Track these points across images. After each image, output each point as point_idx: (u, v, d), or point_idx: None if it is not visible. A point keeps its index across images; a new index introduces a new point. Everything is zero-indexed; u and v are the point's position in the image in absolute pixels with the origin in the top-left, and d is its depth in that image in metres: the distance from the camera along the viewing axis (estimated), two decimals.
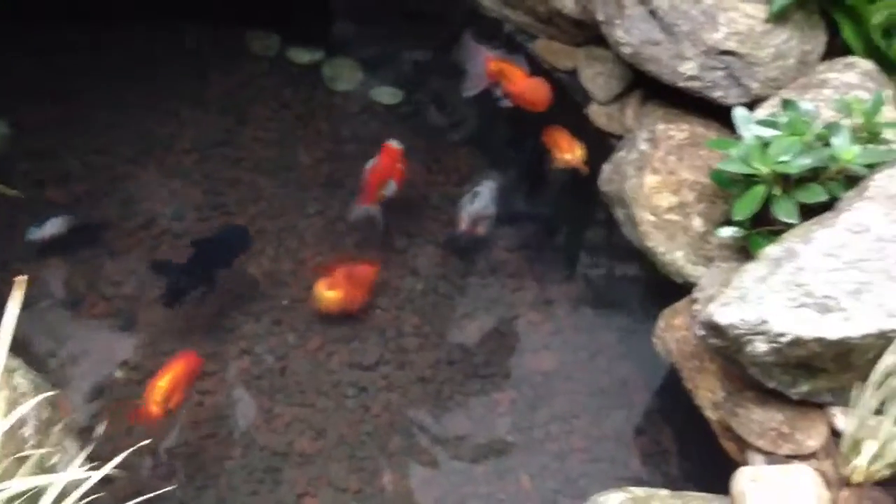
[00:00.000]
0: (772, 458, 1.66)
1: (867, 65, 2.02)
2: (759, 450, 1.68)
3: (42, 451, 1.55)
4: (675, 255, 1.98)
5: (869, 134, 1.84)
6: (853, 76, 1.99)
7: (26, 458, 1.50)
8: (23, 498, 1.40)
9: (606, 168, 2.21)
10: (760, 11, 2.04)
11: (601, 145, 2.31)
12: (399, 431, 2.08)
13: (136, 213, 2.38)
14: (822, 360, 1.60)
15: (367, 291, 2.23)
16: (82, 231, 2.29)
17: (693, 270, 1.97)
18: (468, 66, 2.33)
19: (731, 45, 2.02)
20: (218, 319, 2.21)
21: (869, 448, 1.57)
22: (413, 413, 2.11)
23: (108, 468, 1.40)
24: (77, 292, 2.23)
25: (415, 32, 2.76)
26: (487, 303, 2.30)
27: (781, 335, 1.57)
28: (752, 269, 1.67)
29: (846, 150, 1.78)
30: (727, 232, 1.89)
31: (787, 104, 1.91)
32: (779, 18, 2.03)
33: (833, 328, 1.56)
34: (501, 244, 2.39)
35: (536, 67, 2.42)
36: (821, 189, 1.79)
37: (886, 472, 1.59)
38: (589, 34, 2.41)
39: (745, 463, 1.68)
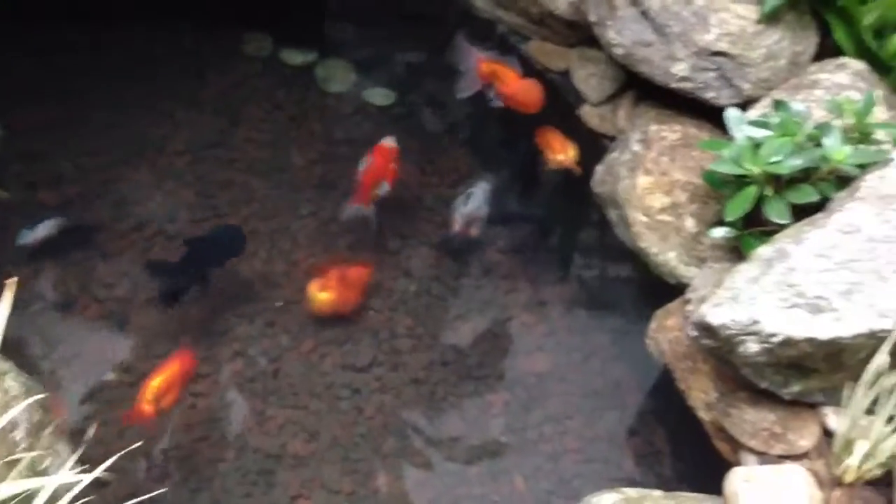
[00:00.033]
0: (764, 458, 1.67)
1: (858, 65, 2.03)
2: (751, 450, 1.68)
3: (33, 454, 1.54)
4: (668, 256, 1.99)
5: (860, 134, 1.84)
6: (844, 77, 2.00)
7: (17, 461, 1.49)
8: (14, 501, 1.39)
9: (599, 169, 2.21)
10: (752, 12, 2.04)
11: (594, 146, 2.31)
12: (392, 433, 2.07)
13: (128, 215, 2.37)
14: (814, 361, 1.61)
15: (360, 293, 2.23)
16: (74, 233, 2.28)
17: (686, 271, 1.97)
18: (461, 68, 2.33)
19: (722, 45, 2.03)
20: (211, 321, 2.21)
21: (860, 448, 1.57)
22: (406, 415, 2.11)
23: (98, 471, 1.40)
24: (69, 294, 2.23)
25: (408, 34, 2.76)
26: (481, 304, 2.30)
27: (773, 335, 1.57)
28: (744, 270, 1.68)
29: (837, 150, 1.78)
30: (719, 232, 1.89)
31: (778, 105, 1.91)
32: (770, 19, 2.04)
33: (824, 328, 1.56)
34: (495, 245, 2.39)
35: (529, 68, 2.42)
36: (812, 189, 1.79)
37: (878, 472, 1.59)
38: (581, 35, 2.41)
39: (738, 463, 1.68)
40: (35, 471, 1.55)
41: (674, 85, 2.08)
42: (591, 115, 2.38)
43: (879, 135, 1.86)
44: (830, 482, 1.62)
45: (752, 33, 2.03)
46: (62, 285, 2.24)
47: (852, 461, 1.59)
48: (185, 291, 2.13)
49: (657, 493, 1.68)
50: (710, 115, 2.09)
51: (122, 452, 1.51)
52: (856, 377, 1.57)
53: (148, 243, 2.32)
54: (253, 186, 2.46)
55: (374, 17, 2.79)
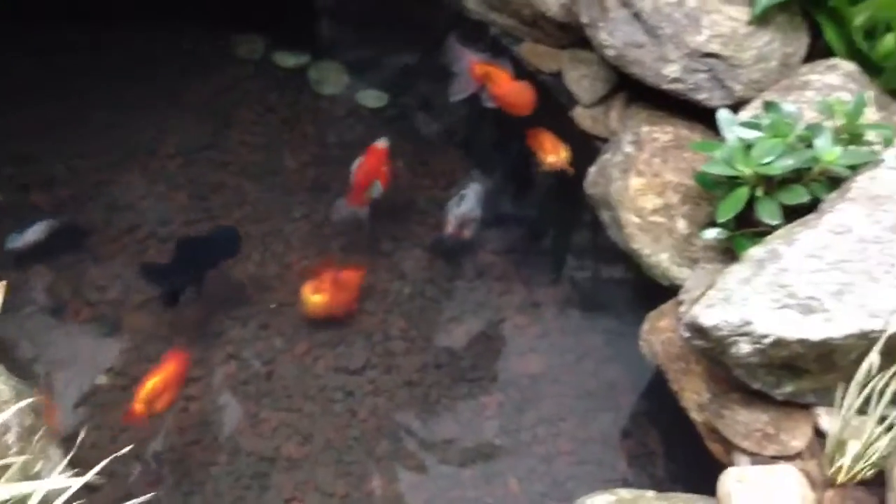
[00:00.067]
0: (757, 458, 1.67)
1: (849, 66, 2.03)
2: (744, 451, 1.68)
3: (24, 458, 1.54)
4: (661, 257, 1.99)
5: (851, 135, 1.85)
6: (835, 78, 2.01)
7: (8, 465, 1.48)
8: None
9: (592, 170, 2.21)
10: (743, 14, 2.05)
11: (586, 148, 2.31)
12: (386, 436, 2.07)
13: (120, 218, 2.37)
14: (806, 361, 1.61)
15: (354, 295, 2.23)
16: (66, 235, 2.28)
17: (678, 272, 1.97)
18: (454, 70, 2.33)
19: (714, 47, 2.03)
20: (204, 324, 2.20)
21: (852, 448, 1.57)
22: (400, 417, 2.11)
23: (89, 475, 1.39)
24: (61, 297, 2.22)
25: (400, 36, 2.76)
26: (474, 306, 2.30)
27: (765, 336, 1.57)
28: (736, 271, 1.68)
29: (828, 151, 1.79)
30: (711, 233, 1.89)
31: (769, 106, 1.91)
32: (761, 21, 2.04)
33: (816, 329, 1.56)
34: (488, 247, 2.39)
35: (522, 70, 2.42)
36: (803, 190, 1.79)
37: (870, 473, 1.59)
38: (573, 37, 2.41)
39: (731, 464, 1.68)
40: (26, 475, 1.55)
41: (665, 86, 2.08)
42: (583, 117, 2.38)
43: (870, 136, 1.86)
44: (823, 483, 1.62)
45: (744, 35, 2.04)
46: (54, 288, 2.24)
47: (844, 461, 1.59)
48: (184, 291, 2.13)
49: (650, 493, 1.68)
50: (702, 117, 2.09)
51: (113, 456, 1.50)
52: (848, 378, 1.57)
53: (140, 246, 2.32)
54: (245, 189, 2.46)
55: (366, 19, 2.79)
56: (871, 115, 1.91)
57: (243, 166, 2.51)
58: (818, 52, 2.11)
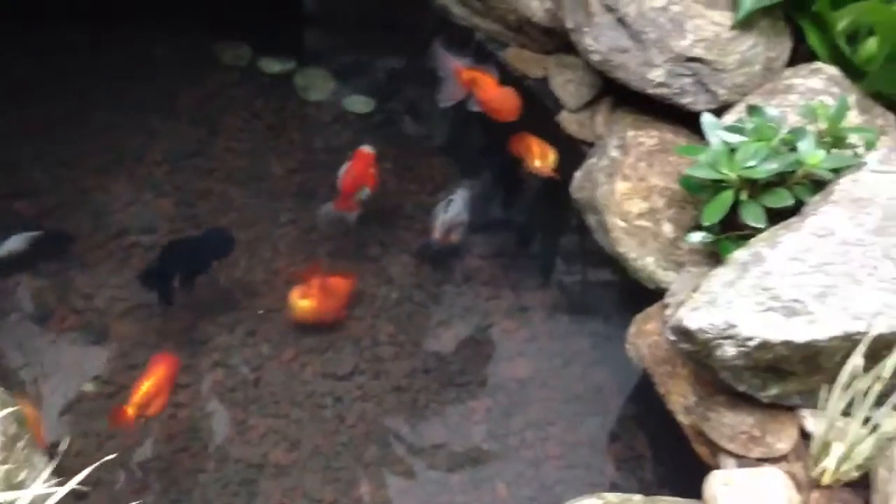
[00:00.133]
0: (743, 461, 1.67)
1: (832, 70, 2.05)
2: (730, 453, 1.69)
3: (8, 466, 1.53)
4: (647, 261, 2.00)
5: (834, 139, 1.86)
6: (818, 82, 2.02)
7: None
8: None
9: (578, 175, 2.22)
10: (726, 18, 2.06)
11: (573, 152, 2.32)
12: (375, 441, 2.07)
13: (106, 225, 2.35)
14: (791, 363, 1.62)
15: (342, 302, 2.22)
16: (51, 243, 2.27)
17: (664, 276, 1.98)
18: (441, 75, 2.34)
19: (697, 51, 2.04)
20: (191, 331, 2.20)
21: (837, 450, 1.58)
22: (388, 422, 2.10)
23: (73, 483, 1.39)
24: (47, 305, 2.21)
25: (386, 41, 2.77)
26: (462, 311, 2.30)
27: (749, 339, 1.58)
28: (721, 274, 1.69)
29: (811, 154, 1.80)
30: (697, 237, 1.90)
31: (753, 110, 1.93)
32: (744, 25, 2.06)
33: (800, 331, 1.57)
34: (475, 252, 2.39)
35: (507, 75, 2.42)
36: (787, 193, 1.80)
37: (855, 474, 1.60)
38: (559, 42, 2.42)
39: (717, 467, 1.69)
40: (10, 484, 1.54)
41: (650, 91, 2.09)
42: (569, 122, 2.39)
43: (853, 139, 1.88)
44: (808, 484, 1.63)
45: (727, 39, 2.05)
46: (39, 296, 2.22)
47: (829, 463, 1.60)
48: (185, 286, 2.13)
49: (638, 497, 1.67)
50: (687, 121, 2.10)
51: (98, 463, 1.50)
52: (832, 379, 1.58)
53: (126, 253, 2.31)
54: (232, 195, 2.45)
55: (352, 25, 2.79)
56: (853, 118, 1.93)
57: (230, 173, 2.50)
58: (801, 56, 2.13)
